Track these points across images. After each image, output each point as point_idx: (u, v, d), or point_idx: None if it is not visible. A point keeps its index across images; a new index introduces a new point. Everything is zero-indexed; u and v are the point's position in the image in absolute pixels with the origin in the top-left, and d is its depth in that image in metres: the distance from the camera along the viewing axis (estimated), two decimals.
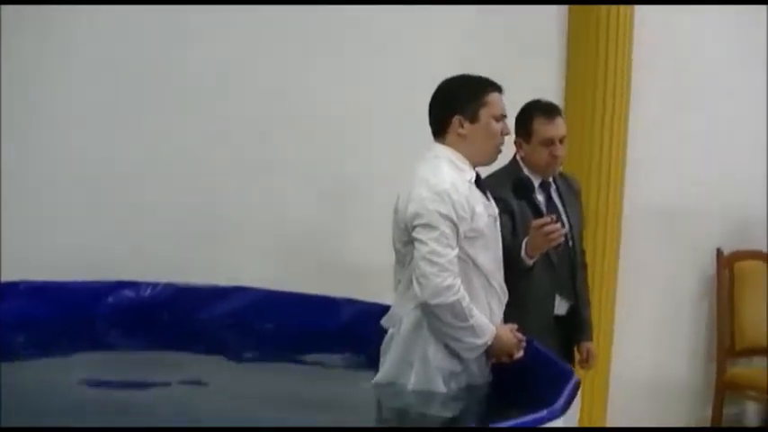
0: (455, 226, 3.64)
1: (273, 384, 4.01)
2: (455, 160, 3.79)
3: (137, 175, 5.04)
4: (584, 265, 4.82)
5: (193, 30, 5.12)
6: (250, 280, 4.82)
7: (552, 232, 4.02)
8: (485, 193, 3.87)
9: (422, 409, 3.72)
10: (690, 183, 6.66)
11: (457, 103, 3.82)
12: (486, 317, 3.74)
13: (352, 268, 5.37)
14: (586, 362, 4.76)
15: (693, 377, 7.03)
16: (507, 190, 4.31)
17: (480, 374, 3.80)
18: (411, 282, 3.69)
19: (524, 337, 3.83)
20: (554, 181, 4.62)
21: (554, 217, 4.21)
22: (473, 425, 3.78)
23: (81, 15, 4.92)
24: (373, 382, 3.83)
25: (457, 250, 3.64)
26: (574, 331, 4.72)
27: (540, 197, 4.51)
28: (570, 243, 4.59)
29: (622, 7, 6.04)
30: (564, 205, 4.61)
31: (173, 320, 4.62)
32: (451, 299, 3.58)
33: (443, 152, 3.81)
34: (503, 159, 4.33)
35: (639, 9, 6.13)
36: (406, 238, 3.73)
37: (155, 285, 4.73)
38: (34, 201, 4.88)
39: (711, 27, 6.68)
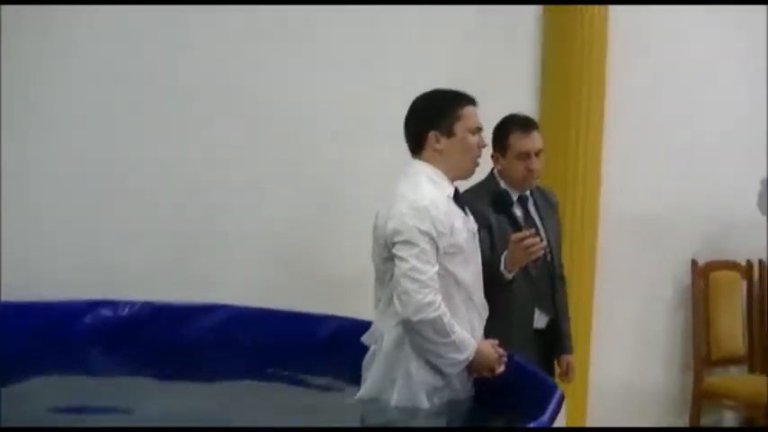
0: (434, 242, 3.66)
1: (254, 402, 3.99)
2: (433, 176, 3.80)
3: (115, 188, 5.03)
4: (563, 279, 4.83)
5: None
6: (234, 295, 4.81)
7: (531, 246, 4.04)
8: (463, 208, 3.88)
9: (405, 425, 3.72)
10: (664, 194, 6.69)
11: (432, 118, 3.83)
12: (468, 332, 3.75)
13: (338, 283, 5.36)
14: (566, 374, 4.77)
15: (671, 387, 7.06)
16: (485, 204, 4.32)
17: (463, 389, 3.81)
18: (392, 299, 3.69)
19: (505, 352, 3.83)
20: (531, 195, 4.63)
21: (533, 231, 4.24)
22: None
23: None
24: (356, 398, 3.83)
25: (437, 266, 3.65)
26: (554, 344, 4.73)
27: (517, 211, 4.50)
28: (548, 257, 4.61)
29: (597, 7, 6.10)
30: (541, 219, 4.62)
31: (151, 339, 4.56)
32: (433, 315, 3.58)
33: (422, 168, 3.82)
34: (480, 174, 4.36)
35: (614, 10, 6.20)
36: (385, 254, 3.74)
37: (132, 304, 4.68)
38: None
39: (688, 30, 6.75)
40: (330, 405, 3.98)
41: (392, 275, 3.69)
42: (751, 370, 7.18)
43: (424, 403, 3.71)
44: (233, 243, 5.24)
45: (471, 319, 3.83)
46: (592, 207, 6.20)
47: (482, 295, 3.93)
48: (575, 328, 4.93)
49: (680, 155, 6.75)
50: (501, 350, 3.82)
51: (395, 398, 3.72)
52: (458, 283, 3.77)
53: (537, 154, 4.52)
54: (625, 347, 6.76)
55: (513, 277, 4.23)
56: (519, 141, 4.51)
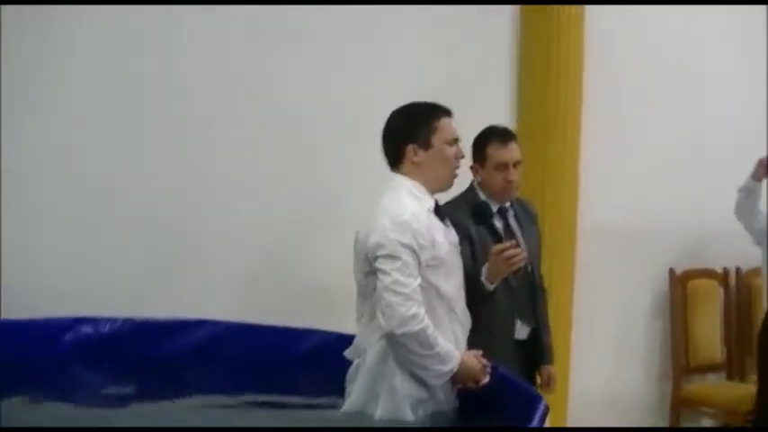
0: (416, 255, 3.67)
1: (238, 417, 3.99)
2: (414, 190, 3.81)
3: (94, 203, 5.05)
4: (544, 290, 4.85)
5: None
6: (215, 310, 4.82)
7: (513, 257, 4.05)
8: (443, 221, 3.89)
9: None
10: (642, 203, 6.73)
11: (408, 132, 3.84)
12: (451, 343, 3.76)
13: (318, 297, 5.38)
14: (548, 385, 4.76)
15: (650, 395, 7.09)
16: (465, 216, 4.33)
17: (447, 401, 3.82)
18: (375, 313, 3.70)
19: (489, 363, 3.84)
20: (511, 207, 4.64)
21: (513, 242, 4.25)
22: None
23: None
24: (340, 412, 3.83)
25: (419, 279, 3.66)
26: (535, 355, 4.74)
27: (498, 223, 4.51)
28: (529, 268, 4.61)
29: (573, 7, 6.13)
30: (522, 230, 4.63)
31: (133, 356, 4.55)
32: (417, 327, 3.59)
33: (402, 182, 3.83)
34: (460, 186, 4.38)
35: (590, 10, 6.25)
36: (367, 268, 3.74)
37: (113, 321, 4.66)
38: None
39: (665, 32, 6.81)
40: (314, 419, 3.97)
41: (374, 289, 3.70)
42: (729, 377, 7.22)
43: (409, 416, 3.71)
44: (198, 272, 5.24)
45: (455, 330, 3.84)
46: (570, 218, 6.24)
47: (465, 307, 3.95)
48: (554, 338, 4.94)
49: (657, 164, 6.79)
50: (484, 361, 3.83)
51: (379, 412, 3.72)
52: (440, 295, 3.78)
53: (515, 165, 4.54)
54: (604, 357, 6.78)
55: (495, 288, 4.24)
56: (497, 152, 4.53)
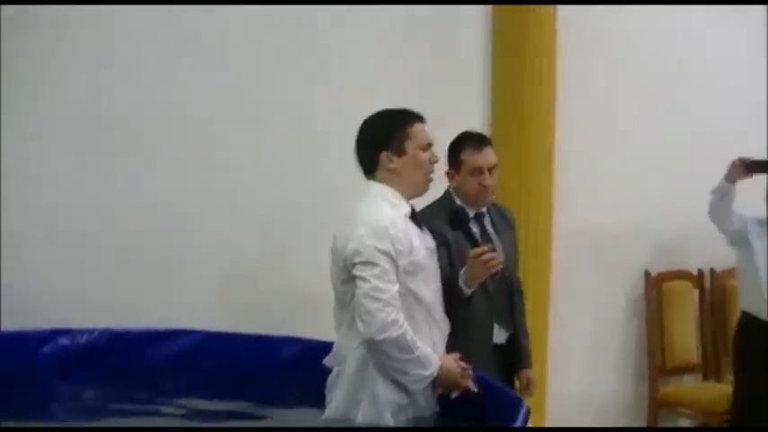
0: (394, 261, 3.67)
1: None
2: (390, 197, 3.82)
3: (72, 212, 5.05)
4: (521, 294, 4.86)
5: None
6: (191, 320, 4.80)
7: (490, 261, 4.07)
8: (420, 227, 3.90)
9: None
10: (616, 206, 6.75)
11: (382, 139, 3.85)
12: (430, 349, 3.76)
13: (295, 305, 5.38)
14: (527, 389, 4.77)
15: (627, 397, 7.12)
16: (442, 222, 4.34)
17: (428, 406, 3.82)
18: (353, 321, 3.70)
19: (469, 366, 3.84)
20: (488, 212, 4.66)
21: (491, 245, 4.27)
22: None
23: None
24: (322, 419, 3.83)
25: (398, 285, 3.66)
26: (513, 359, 4.75)
27: (474, 228, 4.54)
28: (506, 272, 4.62)
29: (546, 7, 6.16)
30: (498, 235, 4.64)
31: (111, 367, 4.54)
32: (396, 333, 3.60)
33: (378, 189, 3.84)
34: (436, 192, 4.39)
35: (563, 10, 6.27)
36: (345, 276, 3.74)
37: (90, 332, 4.64)
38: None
39: (637, 32, 6.84)
40: (295, 427, 3.98)
41: (352, 297, 3.70)
42: (705, 377, 7.25)
43: (390, 422, 3.71)
44: (175, 283, 5.25)
45: (433, 335, 3.85)
46: (545, 222, 6.26)
47: (443, 312, 3.96)
48: (531, 342, 4.96)
49: (631, 167, 6.82)
50: (464, 364, 3.83)
51: (360, 419, 3.72)
52: (419, 300, 3.79)
53: (490, 170, 4.55)
54: (581, 359, 6.81)
55: (472, 293, 4.25)
56: (472, 157, 4.55)
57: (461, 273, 4.18)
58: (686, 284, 7.23)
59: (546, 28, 6.15)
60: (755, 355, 6.25)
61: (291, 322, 4.96)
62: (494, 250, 4.23)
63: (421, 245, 3.82)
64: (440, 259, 4.09)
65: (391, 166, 3.83)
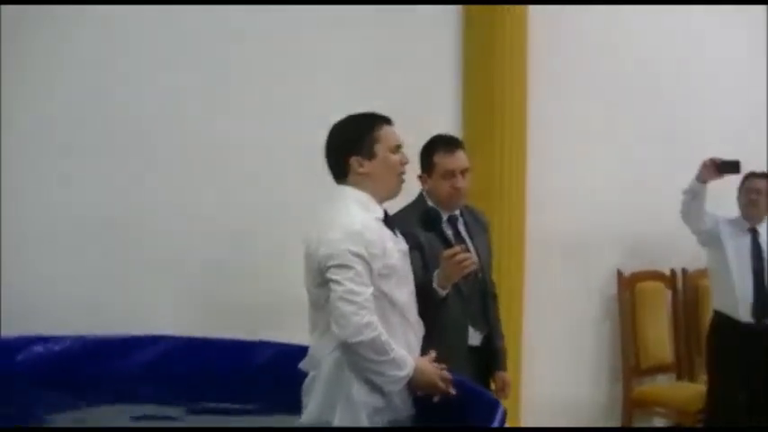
0: (368, 264, 3.67)
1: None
2: (362, 200, 3.81)
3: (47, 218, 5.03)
4: (495, 296, 4.87)
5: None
6: (163, 326, 4.78)
7: (463, 261, 4.08)
8: (393, 230, 3.90)
9: None
10: (589, 208, 6.79)
11: (351, 144, 3.84)
12: (405, 351, 3.76)
13: (266, 309, 5.36)
14: (503, 391, 4.78)
15: (602, 397, 7.16)
16: (415, 224, 4.33)
17: (404, 408, 3.81)
18: (328, 325, 3.69)
19: (444, 366, 3.85)
20: (461, 215, 4.67)
21: (464, 246, 4.29)
22: None
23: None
24: (298, 424, 3.83)
25: (372, 288, 3.67)
26: (489, 361, 4.76)
27: (448, 231, 4.54)
28: (479, 275, 4.64)
29: (517, 7, 6.17)
30: (472, 238, 4.66)
31: (86, 374, 4.50)
32: (371, 335, 3.59)
33: (350, 193, 3.83)
34: (410, 195, 4.40)
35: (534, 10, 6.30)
36: (319, 279, 3.73)
37: (64, 339, 4.61)
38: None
39: (609, 32, 6.89)
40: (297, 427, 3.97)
41: (327, 300, 3.69)
42: (679, 377, 7.30)
43: (365, 424, 3.71)
44: (146, 288, 5.22)
45: (408, 338, 3.84)
46: (518, 224, 6.28)
47: (416, 314, 3.95)
48: (506, 344, 4.97)
49: (603, 168, 6.86)
50: (439, 365, 3.84)
51: (336, 422, 3.71)
52: (393, 303, 3.78)
53: (462, 173, 4.57)
54: (556, 361, 6.80)
55: (447, 296, 4.26)
56: (443, 160, 4.56)
57: (435, 274, 4.19)
58: (659, 285, 7.28)
59: (517, 28, 6.17)
60: (728, 354, 6.31)
61: (266, 326, 4.94)
62: (467, 250, 4.24)
63: (394, 248, 3.82)
64: (414, 262, 4.07)
65: (362, 170, 3.82)
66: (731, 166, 6.08)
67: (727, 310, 6.34)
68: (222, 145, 5.38)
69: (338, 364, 3.72)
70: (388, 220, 3.90)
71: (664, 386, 7.23)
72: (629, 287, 7.10)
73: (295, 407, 3.88)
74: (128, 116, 5.15)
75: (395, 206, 4.16)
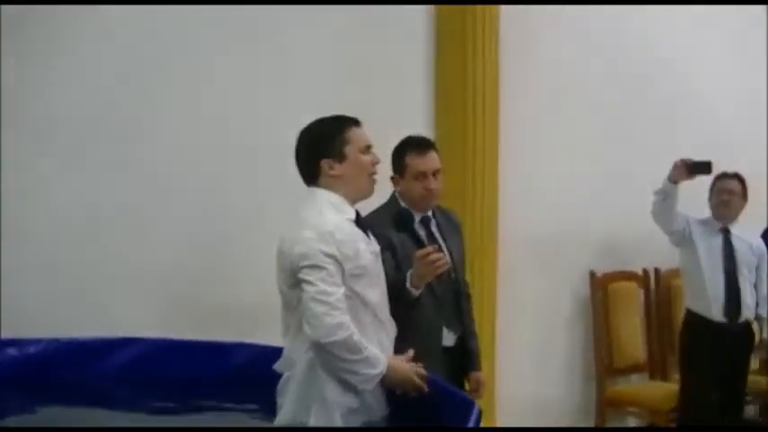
0: (340, 265, 3.69)
1: None
2: (334, 202, 3.83)
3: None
4: (469, 297, 4.89)
5: None
6: (137, 329, 4.76)
7: (436, 261, 4.10)
8: (365, 231, 3.92)
9: None
10: (561, 208, 6.82)
11: (321, 147, 3.85)
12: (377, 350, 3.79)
13: (239, 312, 5.37)
14: (477, 391, 4.79)
15: (576, 397, 7.19)
16: (388, 226, 4.37)
17: (378, 407, 3.83)
18: (301, 325, 3.70)
19: (419, 364, 3.86)
20: (434, 216, 4.69)
21: (436, 246, 4.31)
22: None
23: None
24: (273, 425, 3.84)
25: (344, 288, 3.69)
26: (462, 362, 4.78)
27: (421, 231, 4.58)
28: (453, 275, 4.67)
29: (488, 7, 6.19)
30: (444, 239, 4.68)
31: (61, 377, 4.48)
32: (343, 335, 3.61)
33: (322, 195, 3.84)
34: (382, 197, 4.42)
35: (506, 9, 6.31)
36: (292, 280, 3.75)
37: (38, 342, 4.59)
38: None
39: (583, 32, 6.94)
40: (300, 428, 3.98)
41: (299, 301, 3.71)
42: (652, 376, 7.35)
43: (339, 425, 3.73)
44: (118, 292, 5.22)
45: (380, 338, 3.85)
46: (491, 225, 6.29)
47: (389, 314, 3.97)
48: (480, 345, 4.99)
49: (575, 168, 6.90)
50: (413, 363, 3.86)
51: (311, 423, 3.73)
52: (365, 303, 3.80)
53: (434, 174, 4.59)
54: (529, 361, 6.85)
55: (420, 296, 4.28)
56: (415, 162, 4.58)
57: (408, 274, 4.21)
58: (632, 285, 7.33)
59: (489, 28, 6.18)
60: (701, 353, 6.36)
61: (242, 330, 4.94)
62: (440, 250, 4.27)
63: (366, 249, 3.84)
64: (386, 263, 4.09)
65: (333, 172, 3.84)
66: (702, 167, 6.11)
67: (699, 309, 6.38)
68: (196, 149, 5.38)
69: (311, 364, 3.73)
70: (360, 222, 3.91)
71: (637, 385, 7.28)
72: (601, 287, 7.13)
73: (270, 408, 3.89)
74: (112, 117, 5.15)
75: (367, 207, 4.17)
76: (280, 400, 3.85)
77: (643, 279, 7.40)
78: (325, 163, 3.83)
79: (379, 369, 3.72)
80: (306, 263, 3.67)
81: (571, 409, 7.15)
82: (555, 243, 6.87)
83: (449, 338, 4.67)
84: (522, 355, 6.70)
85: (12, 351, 4.56)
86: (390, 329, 3.96)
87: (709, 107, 7.52)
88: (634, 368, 7.29)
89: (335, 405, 3.72)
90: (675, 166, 6.13)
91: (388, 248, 4.28)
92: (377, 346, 3.78)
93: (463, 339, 4.75)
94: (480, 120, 6.16)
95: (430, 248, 4.18)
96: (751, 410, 7.42)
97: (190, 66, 5.37)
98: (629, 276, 7.32)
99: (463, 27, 6.14)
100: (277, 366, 3.92)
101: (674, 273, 7.11)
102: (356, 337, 3.66)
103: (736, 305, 6.33)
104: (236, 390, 4.46)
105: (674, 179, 6.15)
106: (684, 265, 6.58)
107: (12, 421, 4.22)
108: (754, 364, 6.86)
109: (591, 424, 7.09)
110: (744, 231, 6.48)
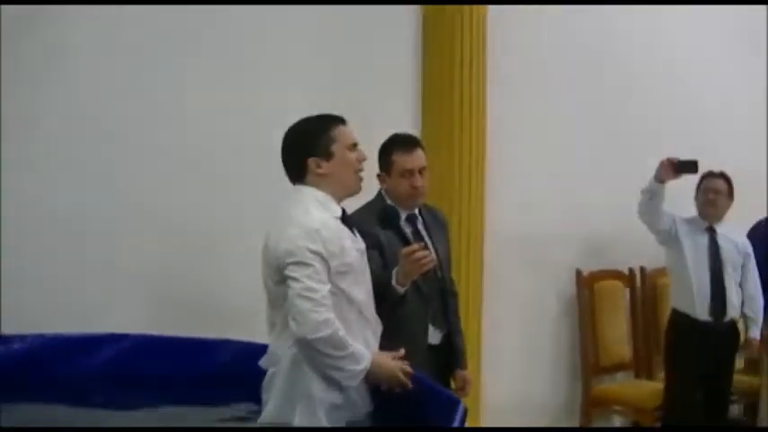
0: (326, 262, 3.70)
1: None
2: (321, 199, 3.84)
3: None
4: (455, 294, 4.90)
5: None
6: (123, 326, 4.75)
7: (422, 258, 4.11)
8: (351, 229, 3.93)
9: None
10: (547, 207, 6.82)
11: (308, 145, 3.87)
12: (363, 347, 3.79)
13: (224, 309, 5.36)
14: (462, 390, 4.79)
15: (561, 395, 7.21)
16: (374, 223, 4.37)
17: (363, 404, 3.84)
18: (287, 322, 3.72)
19: (405, 361, 3.87)
20: (420, 213, 4.69)
21: (422, 244, 4.31)
22: None
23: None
24: (259, 422, 3.85)
25: (329, 285, 3.69)
26: (448, 360, 4.78)
27: (407, 229, 4.58)
28: (439, 273, 4.67)
29: (475, 7, 6.19)
30: (431, 236, 4.68)
31: (46, 373, 4.47)
32: (329, 332, 3.63)
33: (309, 192, 3.86)
34: (369, 195, 4.43)
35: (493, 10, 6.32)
36: (277, 277, 3.76)
37: (23, 337, 4.57)
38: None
39: (567, 32, 6.94)
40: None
41: (285, 298, 3.72)
42: (637, 375, 7.36)
43: (323, 421, 3.73)
44: (102, 288, 5.18)
45: (365, 335, 3.87)
46: (477, 223, 6.29)
47: (374, 312, 3.98)
48: (466, 343, 4.99)
49: (561, 166, 6.90)
50: (398, 360, 3.86)
51: (296, 418, 3.74)
52: (350, 301, 3.81)
53: (420, 171, 4.60)
54: (515, 360, 6.86)
55: (406, 294, 4.28)
56: (401, 159, 4.59)
57: (394, 272, 4.22)
58: (617, 283, 7.34)
59: (476, 28, 6.19)
60: (686, 352, 6.37)
61: (226, 327, 4.95)
62: (426, 248, 4.27)
63: (352, 246, 3.85)
64: (373, 261, 4.12)
65: (320, 170, 3.85)
66: (689, 166, 6.12)
67: (685, 308, 6.39)
68: (182, 148, 5.37)
69: (296, 360, 3.74)
70: (347, 219, 3.93)
71: (622, 384, 7.28)
72: (587, 286, 7.14)
73: (256, 405, 3.90)
74: (100, 116, 5.15)
75: (354, 205, 4.18)
76: (265, 397, 3.87)
77: (629, 278, 7.41)
78: (312, 161, 3.84)
79: (364, 365, 3.73)
80: (292, 260, 3.68)
81: (556, 407, 7.16)
82: (541, 242, 6.87)
83: (434, 336, 4.68)
84: (507, 353, 6.70)
85: None
86: (376, 327, 3.97)
87: (695, 106, 7.53)
88: (620, 367, 7.30)
89: (320, 401, 3.73)
90: (662, 166, 6.13)
91: (375, 247, 4.31)
92: (362, 344, 3.80)
93: (449, 337, 4.75)
94: (467, 119, 6.17)
95: (415, 246, 4.18)
96: (735, 410, 7.44)
97: (184, 66, 5.38)
98: (615, 275, 7.33)
99: (451, 27, 6.14)
100: (262, 363, 3.94)
101: (660, 272, 7.13)
102: (341, 333, 3.67)
103: (722, 304, 6.35)
104: (222, 386, 4.46)
105: (660, 178, 6.16)
106: (670, 265, 6.59)
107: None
108: (740, 363, 6.87)
109: (576, 423, 7.10)
110: (729, 230, 6.49)
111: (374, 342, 3.93)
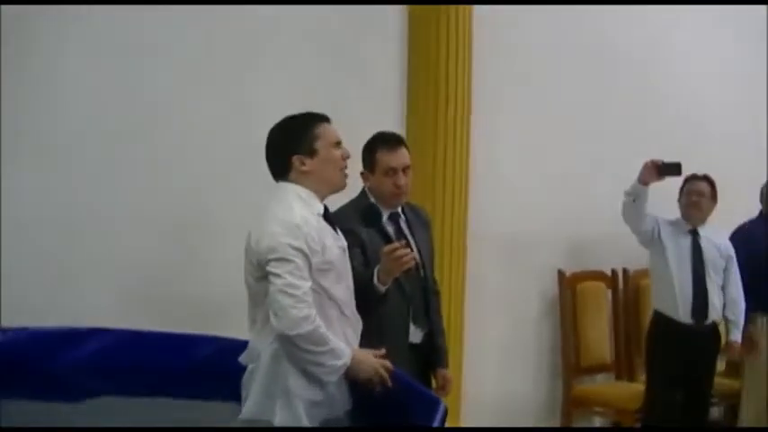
0: (307, 258, 3.71)
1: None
2: (303, 196, 3.85)
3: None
4: (437, 293, 4.90)
5: None
6: (106, 321, 4.75)
7: (403, 256, 4.11)
8: (333, 227, 3.94)
9: None
10: (530, 208, 6.84)
11: (291, 143, 3.88)
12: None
13: (206, 305, 5.38)
14: (443, 389, 4.80)
15: (542, 396, 7.23)
16: (356, 221, 4.38)
17: (342, 401, 3.86)
18: (267, 318, 3.73)
19: (385, 358, 3.88)
20: (403, 212, 4.70)
21: (404, 242, 4.32)
22: None
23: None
24: (239, 418, 3.85)
25: (311, 282, 3.71)
26: (429, 359, 4.79)
27: (389, 228, 4.58)
28: (421, 272, 4.68)
29: (461, 7, 6.20)
30: (413, 235, 4.69)
31: (28, 366, 4.46)
32: (309, 328, 3.64)
33: (290, 188, 3.87)
34: (353, 193, 4.44)
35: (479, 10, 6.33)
36: (258, 273, 3.77)
37: (5, 331, 4.58)
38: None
39: (555, 32, 6.96)
40: (214, 426, 3.99)
41: (266, 294, 3.73)
42: (618, 376, 7.37)
43: (304, 419, 3.74)
44: (87, 284, 5.21)
45: (345, 332, 3.88)
46: (460, 223, 6.30)
47: (354, 309, 3.99)
48: (447, 342, 5.00)
49: (545, 167, 6.92)
50: (379, 357, 3.88)
51: (276, 415, 3.75)
52: (331, 298, 3.83)
53: (404, 170, 4.60)
54: (496, 360, 6.87)
55: (387, 292, 4.28)
56: (385, 158, 4.59)
57: (376, 270, 4.21)
58: (600, 285, 7.36)
59: (461, 28, 6.20)
60: (667, 354, 6.39)
61: (209, 323, 4.95)
62: (408, 247, 4.27)
63: (334, 244, 3.87)
64: (355, 259, 4.13)
65: (304, 168, 3.86)
66: (672, 168, 6.14)
67: (666, 310, 6.41)
68: (167, 144, 5.38)
69: (276, 356, 3.75)
70: (329, 217, 3.94)
71: (603, 385, 7.31)
72: (570, 287, 7.16)
73: (237, 400, 3.90)
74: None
75: (337, 202, 4.20)
76: (244, 393, 3.87)
77: (611, 279, 7.43)
78: (296, 159, 3.86)
79: (344, 360, 3.75)
80: (273, 256, 3.69)
81: (537, 407, 7.17)
82: (524, 242, 6.89)
83: (416, 335, 4.68)
84: (489, 353, 6.72)
85: None
86: (356, 325, 3.98)
87: (680, 108, 7.55)
88: (601, 368, 7.32)
89: (299, 398, 3.74)
90: (645, 168, 6.15)
91: (357, 245, 4.31)
92: (342, 341, 3.81)
93: (431, 336, 4.76)
94: (451, 119, 6.18)
95: (397, 244, 4.17)
96: (716, 412, 7.47)
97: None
98: (597, 276, 7.35)
99: (436, 27, 6.15)
100: (242, 359, 3.94)
101: (643, 273, 7.15)
102: (322, 330, 3.68)
103: (704, 307, 6.37)
104: (203, 381, 4.47)
105: (643, 180, 6.17)
106: (653, 266, 6.60)
107: None
108: (721, 366, 6.89)
109: (557, 423, 7.12)
110: (712, 233, 6.51)
111: (355, 340, 3.94)
